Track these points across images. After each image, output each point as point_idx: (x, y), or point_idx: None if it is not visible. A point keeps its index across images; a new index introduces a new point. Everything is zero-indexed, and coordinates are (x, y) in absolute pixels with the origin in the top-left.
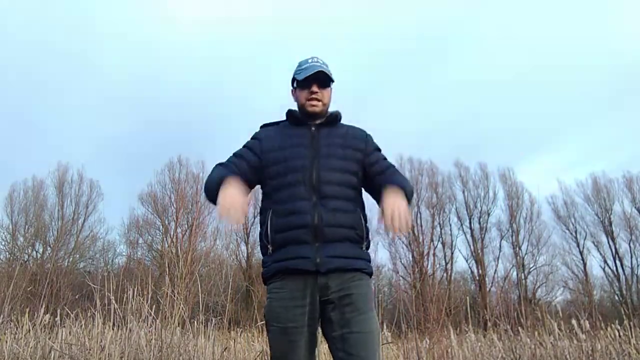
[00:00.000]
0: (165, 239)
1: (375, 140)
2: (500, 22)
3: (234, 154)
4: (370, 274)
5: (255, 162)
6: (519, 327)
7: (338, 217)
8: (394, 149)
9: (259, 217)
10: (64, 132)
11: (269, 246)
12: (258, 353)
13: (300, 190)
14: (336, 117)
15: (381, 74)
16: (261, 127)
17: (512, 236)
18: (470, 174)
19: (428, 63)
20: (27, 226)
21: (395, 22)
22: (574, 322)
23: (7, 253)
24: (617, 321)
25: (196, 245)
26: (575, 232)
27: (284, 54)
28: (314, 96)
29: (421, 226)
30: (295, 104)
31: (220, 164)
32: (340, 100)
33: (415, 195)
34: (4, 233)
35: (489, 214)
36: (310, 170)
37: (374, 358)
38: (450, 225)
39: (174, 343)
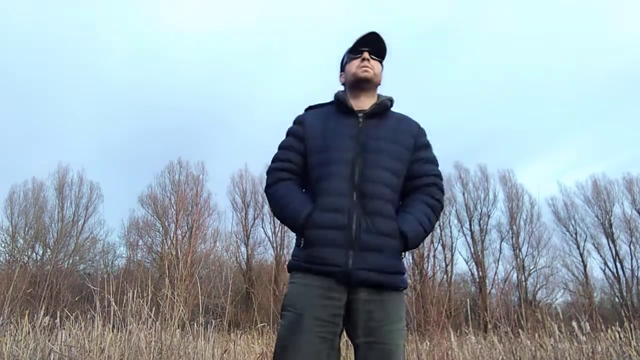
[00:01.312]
0: (165, 240)
1: (427, 136)
2: (500, 24)
3: (284, 147)
4: (404, 288)
5: (303, 150)
6: (520, 329)
7: (378, 223)
8: None
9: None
10: (64, 134)
11: (301, 240)
12: (258, 355)
13: (340, 185)
14: (387, 105)
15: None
16: (306, 109)
17: (512, 238)
18: (470, 176)
19: (428, 64)
20: (27, 228)
21: (395, 23)
22: (574, 324)
23: (6, 255)
24: (617, 323)
25: (196, 247)
26: (576, 234)
27: (283, 55)
28: (365, 62)
29: None
30: (346, 88)
31: (280, 177)
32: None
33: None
34: (3, 235)
35: (489, 216)
36: (353, 165)
37: None
38: (451, 227)
39: (174, 345)
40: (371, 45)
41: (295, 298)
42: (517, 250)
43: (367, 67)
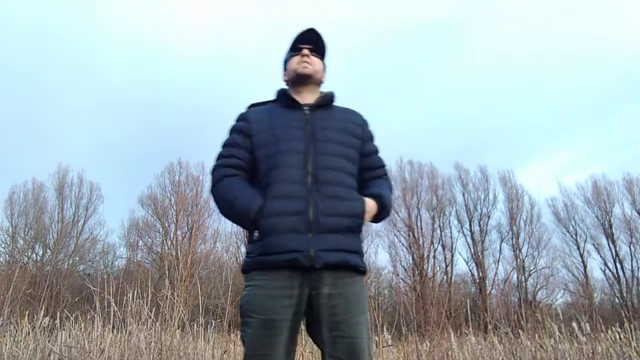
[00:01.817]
0: (165, 241)
1: (370, 127)
2: (500, 25)
3: (228, 144)
4: (364, 273)
5: (249, 145)
6: (520, 330)
7: (336, 205)
8: (394, 151)
9: None
10: (64, 135)
11: (255, 232)
12: None
13: (294, 173)
14: (331, 98)
15: (381, 75)
16: (248, 107)
17: (512, 239)
18: (470, 177)
19: (428, 65)
20: (27, 229)
21: (395, 23)
22: (574, 324)
23: (6, 255)
24: (617, 324)
25: (196, 248)
26: (576, 234)
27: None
28: (305, 59)
29: (421, 229)
30: (289, 85)
31: (225, 174)
32: (341, 100)
33: (415, 198)
34: (3, 235)
35: (489, 217)
36: (305, 155)
37: None
38: (451, 227)
39: (174, 346)
40: (310, 42)
41: (256, 303)
42: (517, 251)
43: (306, 62)
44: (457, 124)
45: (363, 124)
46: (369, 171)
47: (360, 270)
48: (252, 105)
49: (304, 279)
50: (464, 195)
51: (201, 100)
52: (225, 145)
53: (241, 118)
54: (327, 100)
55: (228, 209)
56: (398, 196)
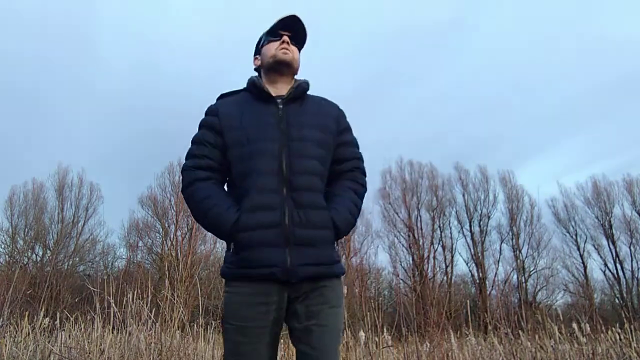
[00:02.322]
0: (165, 242)
1: (346, 118)
2: (500, 23)
3: (198, 142)
4: (342, 274)
5: (221, 143)
6: (520, 331)
7: (311, 215)
8: (394, 151)
9: None
10: (64, 135)
11: (231, 245)
12: None
13: (268, 181)
14: (305, 88)
15: (381, 76)
16: (218, 98)
17: (512, 239)
18: (470, 177)
19: (428, 65)
20: (26, 229)
21: (395, 24)
22: (574, 325)
23: (6, 256)
24: (617, 324)
25: (196, 249)
26: (576, 235)
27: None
28: (284, 45)
29: (421, 229)
30: (261, 72)
31: (197, 177)
32: (341, 102)
33: (415, 198)
34: (3, 236)
35: (489, 217)
36: (280, 157)
37: (336, 356)
38: (451, 228)
39: (174, 346)
40: (291, 29)
41: (234, 310)
42: (517, 252)
43: (287, 49)
44: (457, 125)
45: (338, 116)
46: (340, 163)
47: (338, 274)
48: (222, 96)
49: (282, 287)
50: (464, 195)
51: (201, 100)
52: (195, 142)
53: (211, 112)
54: (300, 92)
55: (201, 218)
56: (398, 196)
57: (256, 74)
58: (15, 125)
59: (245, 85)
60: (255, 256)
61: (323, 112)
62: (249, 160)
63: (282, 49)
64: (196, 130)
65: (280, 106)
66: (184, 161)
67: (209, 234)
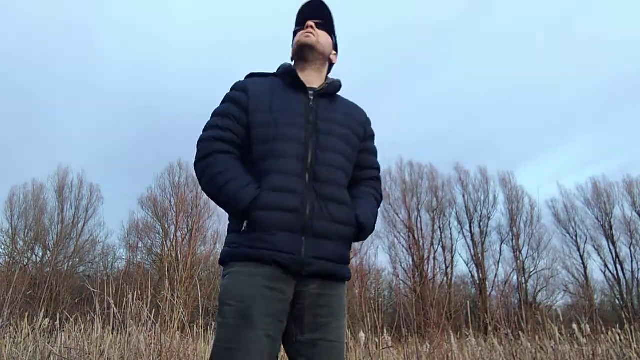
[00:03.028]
0: (165, 242)
1: (372, 126)
2: (500, 26)
3: (223, 114)
4: (349, 279)
5: (245, 121)
6: (520, 332)
7: (332, 209)
8: (394, 152)
9: None
10: (64, 136)
11: (244, 223)
12: None
13: (292, 164)
14: (337, 87)
15: (382, 77)
16: (246, 77)
17: (512, 240)
18: (470, 178)
19: (428, 66)
20: (26, 230)
21: (395, 25)
22: (574, 326)
23: (6, 257)
24: (617, 325)
25: (196, 249)
26: (576, 235)
27: (281, 60)
28: (308, 29)
29: (421, 230)
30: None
31: (216, 149)
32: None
33: (415, 199)
34: (3, 237)
35: (489, 218)
36: (306, 145)
37: None
38: (451, 229)
39: (174, 347)
40: (316, 15)
41: (238, 289)
42: (517, 252)
43: (310, 33)
44: (457, 125)
45: (366, 122)
46: (361, 170)
47: (346, 278)
48: (252, 75)
49: (291, 279)
50: (464, 196)
51: (202, 100)
52: (219, 114)
53: (239, 88)
54: (333, 89)
55: (215, 191)
56: (398, 197)
57: None
58: (16, 125)
59: (275, 71)
60: (269, 238)
61: (353, 114)
62: (273, 142)
63: (305, 33)
64: (209, 117)
65: (312, 97)
66: (202, 133)
67: (209, 234)
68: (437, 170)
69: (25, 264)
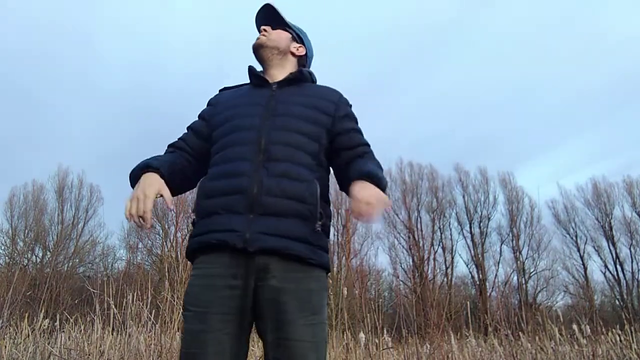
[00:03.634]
0: (165, 243)
1: (351, 108)
2: (500, 25)
3: (188, 127)
4: (323, 267)
5: (205, 130)
6: (520, 332)
7: (284, 185)
8: (394, 153)
9: None
10: (64, 136)
11: (193, 215)
12: (258, 358)
13: (243, 150)
14: (303, 75)
15: (381, 77)
16: (220, 90)
17: (512, 241)
18: (470, 179)
19: (428, 66)
20: (26, 230)
21: (395, 25)
22: (574, 327)
23: (6, 257)
24: (618, 326)
25: None
26: (576, 236)
27: None
28: (260, 34)
29: (421, 231)
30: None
31: (170, 145)
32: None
33: (415, 199)
34: (3, 237)
35: (489, 219)
36: (259, 129)
37: None
38: (451, 229)
39: (174, 348)
40: (266, 19)
41: (196, 294)
42: (518, 253)
43: (260, 36)
44: (457, 126)
45: (337, 101)
46: (347, 150)
47: (313, 263)
48: (224, 89)
49: (249, 268)
50: (464, 197)
51: (202, 101)
52: (187, 127)
53: (208, 103)
54: (297, 76)
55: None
56: (398, 198)
57: None
58: (15, 126)
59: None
60: (214, 223)
61: (320, 93)
62: (228, 135)
63: (261, 36)
64: None
65: (274, 88)
66: None
67: None
68: (437, 171)
69: (25, 264)
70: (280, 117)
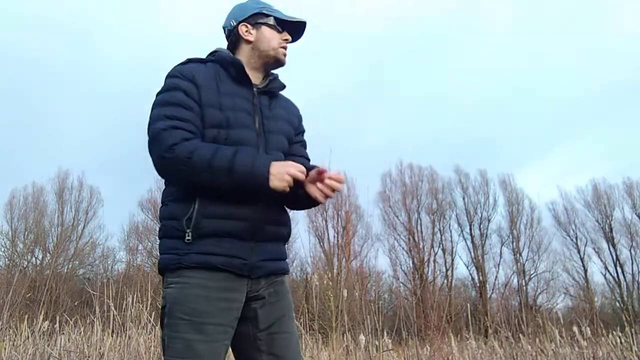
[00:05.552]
0: None
1: (304, 123)
2: (500, 27)
3: (179, 104)
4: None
5: (200, 115)
6: (520, 334)
7: (276, 213)
8: (394, 154)
9: (166, 189)
10: (64, 138)
11: (187, 231)
12: None
13: None
14: (282, 87)
15: (381, 78)
16: (186, 62)
17: (512, 242)
18: (470, 180)
19: (428, 67)
20: (26, 232)
21: (395, 25)
22: (575, 328)
23: (6, 259)
24: (618, 328)
25: None
26: (576, 238)
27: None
28: (285, 45)
29: (421, 232)
30: (246, 47)
31: (185, 137)
32: (340, 103)
33: (415, 201)
34: (3, 239)
35: (489, 220)
36: (257, 148)
37: None
38: (451, 231)
39: None
40: (295, 33)
41: (191, 304)
42: (518, 255)
43: (286, 52)
44: (457, 127)
45: (300, 117)
46: (294, 156)
47: (287, 272)
48: (191, 61)
49: (243, 283)
50: (464, 199)
51: None
52: (171, 103)
53: (185, 76)
54: (277, 86)
55: (225, 170)
56: (398, 200)
57: (225, 39)
58: (15, 128)
59: (213, 56)
60: (221, 246)
61: (289, 107)
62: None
63: (285, 48)
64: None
65: (255, 92)
66: (153, 124)
67: None
68: (437, 173)
69: (25, 266)
70: (270, 134)
